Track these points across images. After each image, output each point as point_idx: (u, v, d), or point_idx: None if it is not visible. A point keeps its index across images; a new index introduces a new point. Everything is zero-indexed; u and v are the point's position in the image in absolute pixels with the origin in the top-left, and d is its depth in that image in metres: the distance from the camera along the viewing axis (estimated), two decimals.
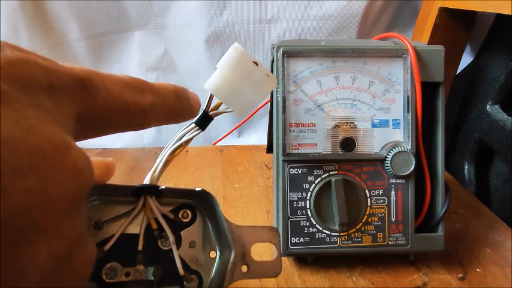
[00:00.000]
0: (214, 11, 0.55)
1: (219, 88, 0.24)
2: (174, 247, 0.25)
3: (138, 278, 0.25)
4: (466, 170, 0.50)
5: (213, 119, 0.25)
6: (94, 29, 0.57)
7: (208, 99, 0.25)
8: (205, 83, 0.24)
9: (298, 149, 0.31)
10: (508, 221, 0.40)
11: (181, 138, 0.25)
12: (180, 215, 0.26)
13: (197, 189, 0.24)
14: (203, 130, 0.25)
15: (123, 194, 0.23)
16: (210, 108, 0.25)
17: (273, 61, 0.31)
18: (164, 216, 0.25)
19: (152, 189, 0.24)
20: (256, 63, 0.24)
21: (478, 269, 0.33)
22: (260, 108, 0.54)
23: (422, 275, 0.33)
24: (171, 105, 0.21)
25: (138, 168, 0.52)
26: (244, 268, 0.25)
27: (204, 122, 0.25)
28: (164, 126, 0.61)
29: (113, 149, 0.59)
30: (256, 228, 0.25)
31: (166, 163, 0.24)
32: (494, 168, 0.48)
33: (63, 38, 0.57)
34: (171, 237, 0.25)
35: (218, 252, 0.26)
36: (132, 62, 0.60)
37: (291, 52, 0.31)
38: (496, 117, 0.44)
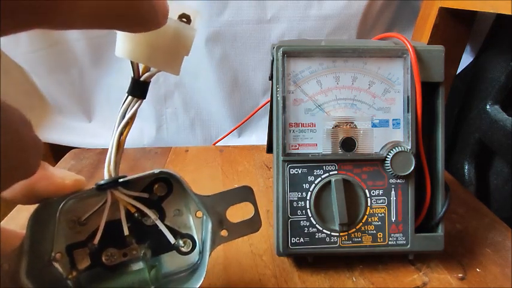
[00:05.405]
0: (214, 11, 0.55)
1: (132, 50, 0.20)
2: (158, 222, 0.26)
3: (136, 255, 0.26)
4: (466, 170, 0.50)
5: (148, 83, 0.22)
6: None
7: (131, 65, 0.22)
8: (115, 51, 0.21)
9: (298, 149, 0.31)
10: (508, 221, 0.40)
11: (124, 117, 0.22)
12: (155, 190, 0.26)
13: (155, 171, 0.24)
14: (144, 98, 0.22)
15: (89, 195, 0.23)
16: (140, 73, 0.22)
17: (273, 61, 0.31)
18: (139, 198, 0.25)
19: (112, 184, 0.23)
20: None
21: (478, 269, 0.33)
22: (260, 108, 0.54)
23: (422, 275, 0.33)
24: None
25: (138, 167, 0.51)
26: (224, 232, 0.26)
27: (139, 89, 0.22)
28: (164, 126, 0.62)
29: None
30: (227, 192, 0.26)
31: (118, 149, 0.22)
32: (494, 168, 0.48)
33: (63, 37, 0.57)
34: (152, 215, 0.25)
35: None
36: None
37: (291, 52, 0.31)
38: (496, 117, 0.44)
